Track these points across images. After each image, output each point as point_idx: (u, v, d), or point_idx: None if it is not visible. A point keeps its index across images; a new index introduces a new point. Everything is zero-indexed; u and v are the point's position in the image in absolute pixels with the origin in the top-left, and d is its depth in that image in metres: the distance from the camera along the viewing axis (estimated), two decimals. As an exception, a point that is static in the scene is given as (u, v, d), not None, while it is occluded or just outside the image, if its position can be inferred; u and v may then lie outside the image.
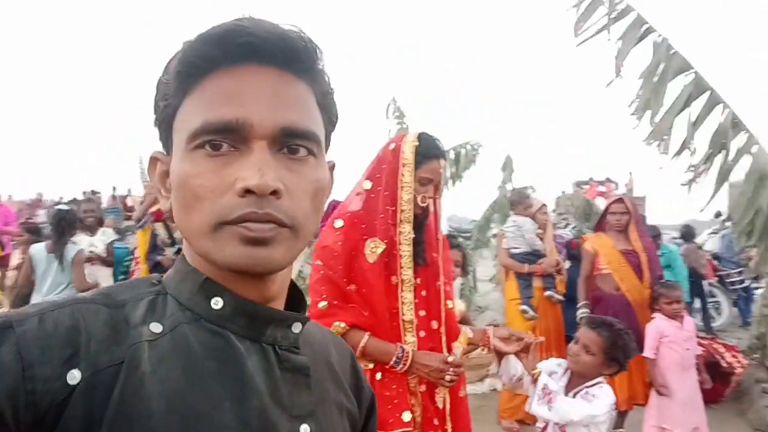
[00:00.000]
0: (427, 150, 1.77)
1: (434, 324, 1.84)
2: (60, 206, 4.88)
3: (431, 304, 1.84)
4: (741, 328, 7.08)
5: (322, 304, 1.72)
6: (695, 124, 2.39)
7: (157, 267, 4.38)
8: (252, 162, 0.52)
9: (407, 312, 1.78)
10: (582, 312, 3.65)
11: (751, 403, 4.45)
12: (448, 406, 1.83)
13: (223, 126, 0.53)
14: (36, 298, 3.95)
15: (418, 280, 1.81)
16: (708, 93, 2.40)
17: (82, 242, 4.30)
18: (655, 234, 4.76)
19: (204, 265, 0.58)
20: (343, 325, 1.69)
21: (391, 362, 1.71)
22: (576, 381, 2.16)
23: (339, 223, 1.81)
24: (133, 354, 0.51)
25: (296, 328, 0.61)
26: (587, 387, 2.10)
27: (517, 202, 4.37)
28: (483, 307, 7.35)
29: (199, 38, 0.55)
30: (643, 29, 2.50)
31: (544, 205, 4.45)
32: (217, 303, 0.57)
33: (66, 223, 4.09)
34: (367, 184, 1.81)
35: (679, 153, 2.42)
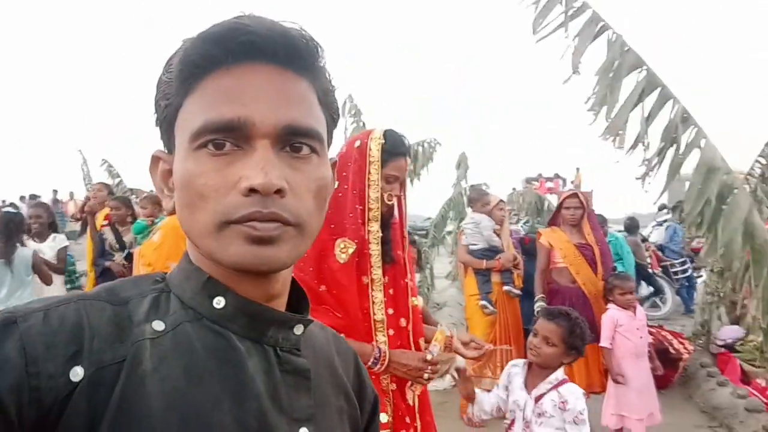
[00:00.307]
0: (394, 147, 1.75)
1: (402, 321, 1.82)
2: (7, 209, 4.59)
3: (399, 302, 1.83)
4: (684, 316, 7.42)
5: None
6: (648, 119, 2.47)
7: (105, 273, 4.18)
8: (255, 161, 0.52)
9: (378, 311, 1.76)
10: (539, 305, 3.72)
11: (697, 387, 4.67)
12: (417, 403, 1.82)
13: (224, 125, 0.52)
14: None
15: (386, 279, 1.79)
16: (659, 89, 2.48)
17: (29, 249, 4.06)
18: (601, 222, 4.91)
19: (207, 264, 0.57)
20: None
21: (369, 363, 1.67)
22: (536, 373, 2.19)
23: None
24: (136, 352, 0.51)
25: (298, 329, 0.61)
26: (551, 386, 2.13)
27: (476, 199, 4.42)
28: (440, 303, 7.41)
29: (200, 37, 0.54)
30: (598, 27, 2.56)
31: (502, 201, 4.53)
32: (219, 302, 0.57)
33: (14, 225, 3.90)
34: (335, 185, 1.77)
35: (633, 147, 2.49)
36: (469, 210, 4.94)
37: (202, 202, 0.53)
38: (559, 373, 2.16)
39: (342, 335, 0.85)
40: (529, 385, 2.18)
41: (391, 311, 1.79)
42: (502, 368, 4.18)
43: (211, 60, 0.54)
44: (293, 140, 0.55)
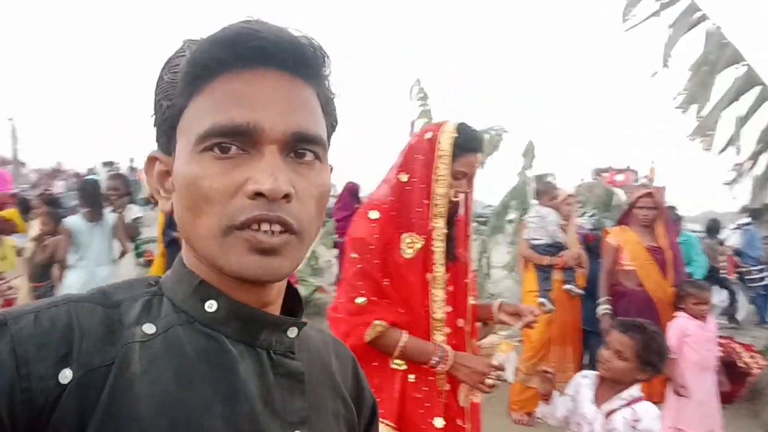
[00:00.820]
0: (466, 142, 1.68)
1: (460, 322, 1.78)
2: (89, 177, 4.93)
3: (458, 301, 1.78)
4: (758, 327, 6.96)
5: (360, 300, 1.66)
6: (743, 120, 2.26)
7: (172, 243, 4.35)
8: (264, 166, 0.53)
9: (438, 310, 1.71)
10: (603, 308, 3.56)
11: (765, 404, 4.37)
12: (468, 404, 1.77)
13: (233, 129, 0.53)
14: (81, 267, 4.07)
15: (447, 276, 1.75)
16: (759, 87, 2.26)
17: (114, 214, 4.34)
18: (676, 220, 4.62)
19: (200, 267, 0.58)
20: (384, 323, 1.63)
21: (431, 362, 1.64)
22: (607, 388, 2.08)
23: (375, 214, 1.73)
24: (125, 354, 0.51)
25: (292, 332, 0.61)
26: (624, 402, 2.01)
27: (543, 192, 4.25)
28: (495, 294, 7.28)
29: (209, 40, 0.54)
30: (696, 16, 2.35)
31: (571, 195, 4.34)
32: (211, 306, 0.57)
33: (96, 191, 4.27)
34: (404, 177, 1.72)
35: (724, 150, 2.29)
36: (534, 202, 4.77)
37: (206, 206, 0.53)
38: (635, 390, 2.03)
39: (343, 344, 0.83)
40: (599, 399, 2.07)
41: (449, 309, 1.74)
42: (556, 369, 4.08)
43: (221, 63, 0.54)
44: (299, 146, 0.55)
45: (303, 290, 6.32)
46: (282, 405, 0.58)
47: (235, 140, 0.53)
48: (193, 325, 0.56)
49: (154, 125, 0.60)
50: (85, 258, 4.08)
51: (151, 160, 0.61)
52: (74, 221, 4.14)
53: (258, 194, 0.52)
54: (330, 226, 7.50)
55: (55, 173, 12.60)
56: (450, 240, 1.73)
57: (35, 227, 4.58)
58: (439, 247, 1.69)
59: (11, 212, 5.56)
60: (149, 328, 0.54)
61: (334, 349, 0.72)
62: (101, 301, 0.54)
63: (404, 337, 1.64)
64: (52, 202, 4.77)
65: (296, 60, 0.56)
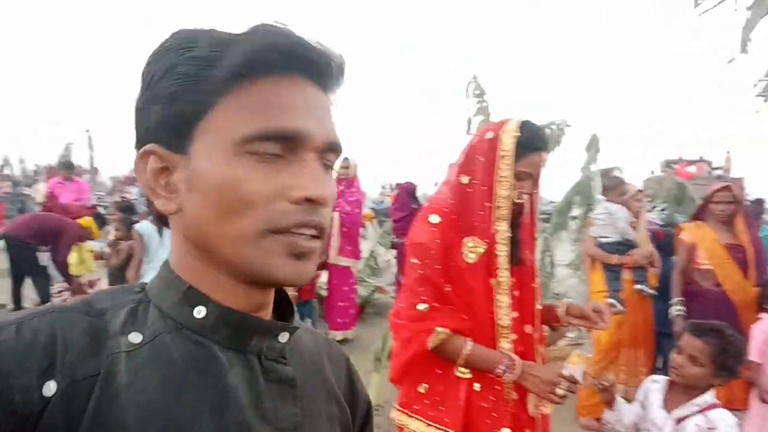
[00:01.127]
0: (529, 142, 1.60)
1: (527, 328, 1.72)
2: None
3: (524, 306, 1.72)
4: None
5: (423, 306, 1.63)
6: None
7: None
8: (309, 172, 0.54)
9: (503, 317, 1.65)
10: (677, 310, 3.37)
11: None
12: (538, 415, 1.71)
13: (283, 134, 0.53)
14: (152, 270, 4.17)
15: (513, 281, 1.69)
16: None
17: None
18: (758, 210, 4.30)
19: (189, 272, 0.57)
20: (446, 331, 1.60)
21: (497, 371, 1.59)
22: (679, 392, 1.96)
23: (435, 218, 1.68)
24: (111, 365, 0.50)
25: (283, 338, 0.60)
26: (698, 409, 1.89)
27: (611, 187, 4.06)
28: (560, 294, 7.05)
29: (254, 40, 0.54)
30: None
31: (640, 191, 4.13)
32: (199, 312, 0.56)
33: None
34: (464, 179, 1.67)
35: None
36: (601, 198, 4.57)
37: (246, 209, 0.53)
38: (709, 396, 1.91)
39: (337, 345, 0.82)
40: (669, 404, 1.96)
41: (515, 314, 1.68)
42: (627, 372, 3.91)
43: (269, 67, 0.53)
44: (328, 155, 0.58)
45: (362, 290, 6.34)
46: (273, 411, 0.57)
47: (279, 145, 0.53)
48: (182, 331, 0.55)
49: (155, 118, 0.55)
50: (154, 261, 4.25)
51: (145, 155, 0.56)
52: (145, 226, 4.32)
53: (307, 200, 0.53)
54: (387, 227, 7.51)
55: (129, 180, 13.29)
56: (515, 243, 1.67)
57: (111, 233, 4.84)
58: (502, 251, 1.63)
59: (87, 220, 5.92)
60: (135, 337, 0.53)
61: (326, 351, 0.71)
62: (85, 310, 0.54)
63: (468, 345, 1.60)
64: (126, 209, 5.01)
65: (330, 74, 0.58)
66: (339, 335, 5.40)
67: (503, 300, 1.64)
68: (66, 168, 8.60)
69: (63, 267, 5.31)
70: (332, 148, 0.57)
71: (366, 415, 0.75)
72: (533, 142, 1.61)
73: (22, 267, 5.43)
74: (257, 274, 0.54)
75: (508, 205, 1.61)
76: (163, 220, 0.60)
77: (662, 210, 8.31)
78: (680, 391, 1.96)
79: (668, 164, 13.02)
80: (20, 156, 14.76)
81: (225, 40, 0.54)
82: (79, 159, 12.35)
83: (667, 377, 2.04)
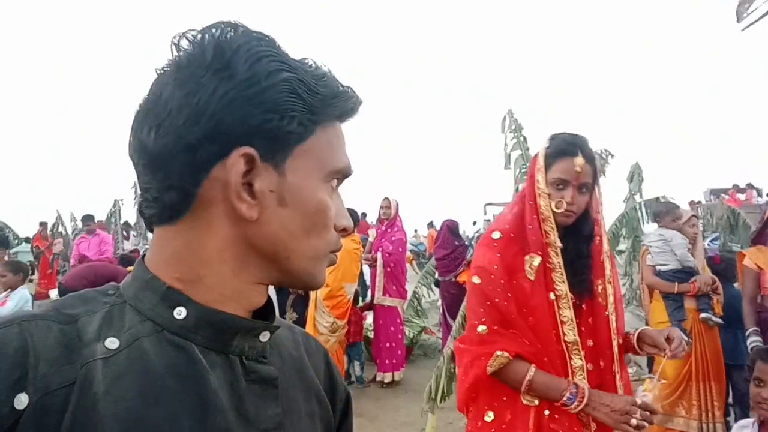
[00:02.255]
0: (557, 148, 1.61)
1: (602, 363, 1.63)
2: None
3: (599, 335, 1.63)
4: None
5: (482, 328, 1.59)
6: None
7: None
8: (342, 204, 0.64)
9: (569, 332, 1.57)
10: (753, 341, 3.17)
11: None
12: None
13: (346, 173, 0.63)
14: None
15: (584, 307, 1.62)
16: None
17: None
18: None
19: (166, 271, 0.56)
20: (506, 354, 1.53)
21: (563, 399, 1.51)
22: None
23: (497, 234, 1.68)
24: (86, 374, 0.49)
25: (264, 337, 0.60)
26: None
27: (664, 213, 3.93)
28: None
29: (337, 86, 0.60)
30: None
31: (694, 216, 3.98)
32: (180, 313, 0.55)
33: None
34: (520, 198, 1.71)
35: None
36: (648, 226, 4.42)
37: (324, 231, 0.60)
38: None
39: (314, 338, 0.80)
40: None
41: (590, 343, 1.61)
42: (699, 406, 3.66)
43: (343, 111, 0.61)
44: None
45: (408, 331, 6.24)
46: (255, 412, 0.57)
47: (338, 180, 0.63)
48: (161, 334, 0.54)
49: (252, 123, 0.53)
50: None
51: (248, 156, 0.54)
52: None
53: (344, 230, 0.63)
54: (429, 267, 7.43)
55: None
56: (577, 257, 1.63)
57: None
58: (556, 262, 1.59)
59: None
60: (112, 343, 0.51)
61: (305, 346, 0.72)
62: (56, 318, 0.51)
63: (531, 371, 1.53)
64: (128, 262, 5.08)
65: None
66: (388, 377, 5.30)
67: (566, 314, 1.57)
68: (86, 222, 8.59)
69: None
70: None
71: (345, 406, 0.75)
72: (560, 146, 1.61)
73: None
74: (308, 284, 0.62)
75: (550, 216, 1.59)
76: (149, 219, 0.58)
77: (713, 240, 7.99)
78: None
79: (715, 192, 12.63)
80: (71, 213, 15.28)
81: (320, 75, 0.59)
82: (128, 214, 12.71)
83: (754, 417, 1.90)
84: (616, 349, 1.63)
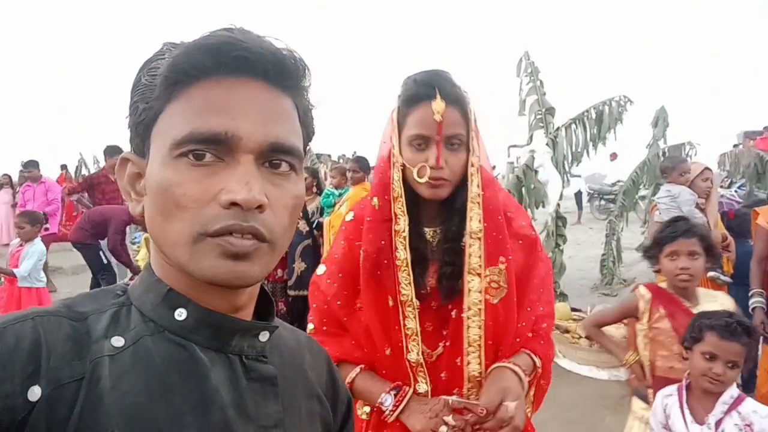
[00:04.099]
0: (407, 95, 1.19)
1: (458, 361, 1.23)
2: None
3: (455, 333, 1.23)
4: None
5: (309, 327, 1.32)
6: None
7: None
8: (239, 175, 0.53)
9: (413, 348, 1.21)
10: (755, 302, 3.05)
11: None
12: None
13: (211, 136, 0.53)
14: None
15: (433, 304, 1.24)
16: None
17: None
18: None
19: (169, 274, 0.57)
20: None
21: (378, 402, 1.21)
22: (702, 395, 1.76)
23: (350, 215, 1.34)
24: (94, 369, 0.51)
25: (263, 336, 0.61)
26: (727, 406, 1.70)
27: (670, 168, 3.74)
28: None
29: (191, 45, 0.54)
30: None
31: (707, 169, 3.78)
32: (180, 314, 0.57)
33: None
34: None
35: None
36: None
37: (179, 212, 0.53)
38: (734, 390, 1.72)
39: (317, 342, 0.77)
40: (696, 413, 1.75)
41: (447, 343, 1.25)
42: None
43: (202, 70, 0.54)
44: (275, 157, 0.56)
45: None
46: (255, 410, 0.58)
47: (210, 148, 0.53)
48: (163, 334, 0.56)
49: (129, 126, 0.59)
50: None
51: (123, 161, 0.61)
52: None
53: (233, 204, 0.52)
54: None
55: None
56: (453, 241, 1.23)
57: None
58: (402, 258, 1.20)
59: None
60: (117, 341, 0.53)
61: (307, 347, 0.72)
62: (68, 315, 0.54)
63: (352, 373, 1.25)
64: None
65: (277, 71, 0.56)
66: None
67: (410, 326, 1.22)
68: (28, 168, 7.68)
69: (116, 254, 5.47)
70: (277, 149, 0.55)
71: (347, 410, 0.76)
72: (411, 92, 1.18)
73: (92, 266, 5.70)
74: (196, 276, 0.54)
75: (402, 192, 1.20)
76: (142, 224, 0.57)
77: (740, 186, 7.67)
78: (702, 395, 1.76)
79: (749, 136, 12.01)
80: (94, 156, 15.39)
81: (200, 42, 0.54)
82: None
83: (678, 384, 1.84)
84: (477, 365, 1.21)
